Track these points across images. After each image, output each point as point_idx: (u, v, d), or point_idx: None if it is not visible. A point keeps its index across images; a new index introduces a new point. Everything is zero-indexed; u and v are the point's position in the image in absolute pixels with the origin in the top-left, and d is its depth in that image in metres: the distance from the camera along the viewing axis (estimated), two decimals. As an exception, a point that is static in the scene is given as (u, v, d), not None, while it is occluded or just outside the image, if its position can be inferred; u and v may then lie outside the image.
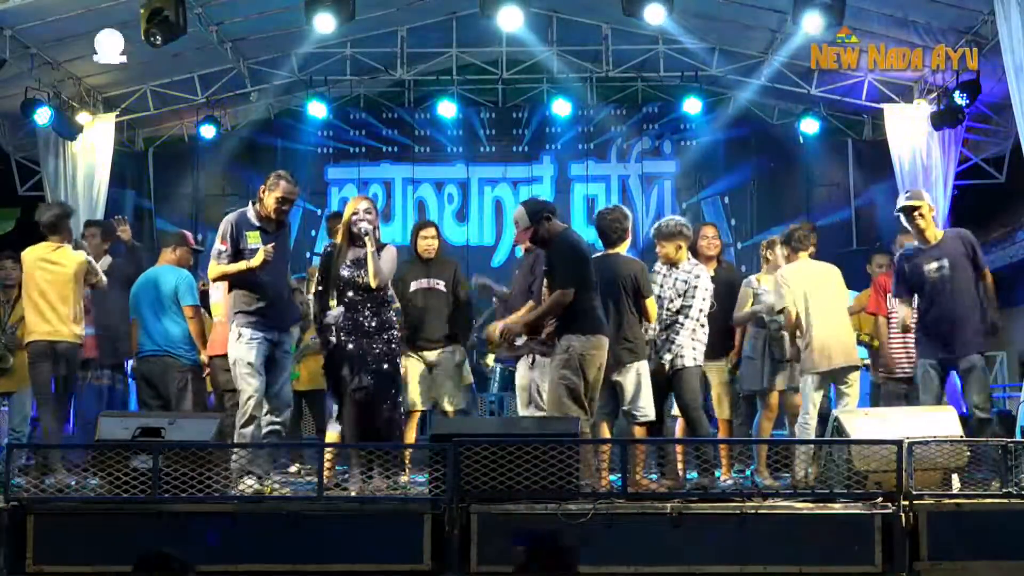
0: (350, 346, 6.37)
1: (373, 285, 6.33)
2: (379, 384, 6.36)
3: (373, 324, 6.39)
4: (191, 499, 5.56)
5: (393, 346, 6.46)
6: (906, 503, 5.46)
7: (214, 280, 6.60)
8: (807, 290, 7.13)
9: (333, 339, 6.39)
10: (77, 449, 6.68)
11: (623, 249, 6.86)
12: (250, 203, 6.49)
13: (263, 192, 6.43)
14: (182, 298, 7.01)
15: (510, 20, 10.17)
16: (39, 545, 5.52)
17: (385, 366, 6.39)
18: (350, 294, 6.40)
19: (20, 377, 7.99)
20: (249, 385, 6.25)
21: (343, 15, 9.94)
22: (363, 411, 6.39)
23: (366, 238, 6.34)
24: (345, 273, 6.38)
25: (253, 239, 6.33)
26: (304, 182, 13.64)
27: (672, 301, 6.93)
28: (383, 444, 6.36)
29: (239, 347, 6.30)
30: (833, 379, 7.16)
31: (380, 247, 6.46)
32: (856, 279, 8.36)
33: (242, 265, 6.28)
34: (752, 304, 7.46)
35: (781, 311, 7.17)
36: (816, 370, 7.05)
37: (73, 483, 5.94)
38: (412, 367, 7.23)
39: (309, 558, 5.52)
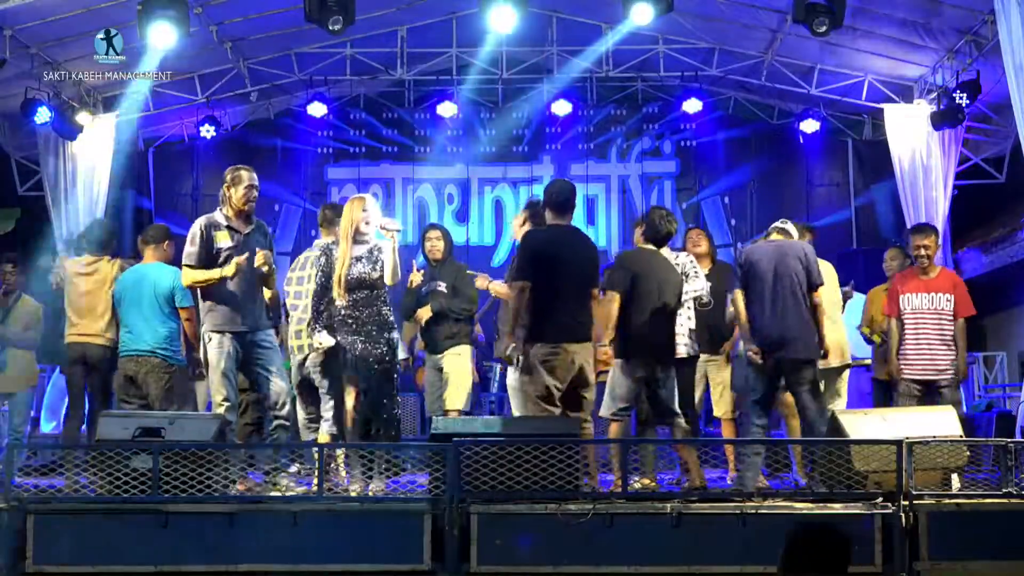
0: (350, 346, 6.39)
1: (390, 283, 6.40)
2: (379, 384, 6.39)
3: (375, 325, 6.41)
4: (191, 499, 5.57)
5: (393, 347, 6.49)
6: (906, 503, 5.46)
7: (187, 287, 6.56)
8: None
9: (333, 340, 6.41)
10: (78, 449, 6.68)
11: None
12: (217, 209, 6.50)
13: (228, 190, 6.44)
14: (180, 300, 6.84)
15: (503, 21, 10.11)
16: (39, 545, 5.52)
17: (385, 366, 6.41)
18: (355, 293, 6.42)
19: (20, 378, 8.03)
20: (219, 393, 6.27)
21: (350, 16, 9.85)
22: (363, 411, 6.43)
23: (386, 233, 6.40)
24: (354, 270, 6.40)
25: (222, 238, 6.35)
26: (304, 182, 13.76)
27: None
28: (383, 444, 6.38)
29: (211, 352, 6.33)
30: (825, 378, 7.17)
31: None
32: (856, 279, 8.35)
33: (215, 273, 6.32)
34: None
35: None
36: None
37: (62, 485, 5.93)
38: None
39: (309, 558, 5.53)
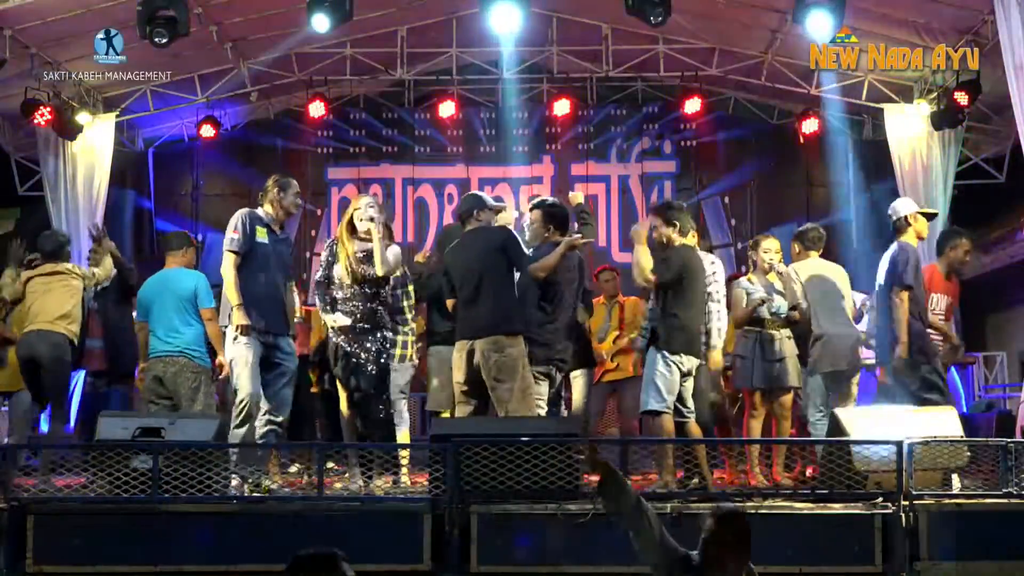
0: (343, 344, 6.40)
1: (380, 273, 6.40)
2: (369, 383, 6.38)
3: (367, 323, 6.41)
4: (191, 499, 5.57)
5: (388, 344, 6.48)
6: (906, 503, 5.46)
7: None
8: (808, 288, 7.21)
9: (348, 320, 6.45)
10: (77, 449, 6.68)
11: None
12: (259, 207, 6.59)
13: (277, 192, 6.54)
14: (201, 301, 6.99)
15: (505, 21, 10.13)
16: (39, 545, 5.52)
17: (376, 367, 6.40)
18: (353, 288, 6.43)
19: (20, 377, 8.02)
20: (244, 387, 6.27)
21: (339, 15, 9.93)
22: (355, 410, 6.45)
23: (371, 225, 6.43)
24: (352, 267, 6.42)
25: (261, 234, 6.45)
26: (304, 182, 13.70)
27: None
28: (383, 444, 6.38)
29: (234, 348, 6.34)
30: (836, 379, 7.19)
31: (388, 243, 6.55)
32: (857, 280, 8.36)
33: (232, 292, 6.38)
34: (745, 303, 7.47)
35: (795, 308, 7.21)
36: (824, 370, 7.12)
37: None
38: None
39: (309, 558, 5.51)
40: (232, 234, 6.39)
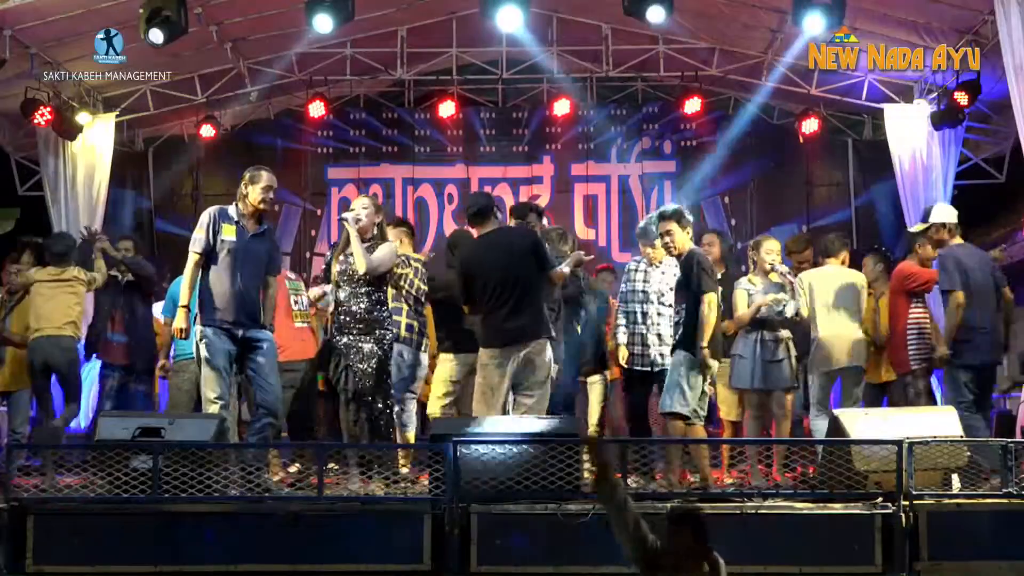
0: (341, 341, 6.40)
1: (360, 271, 6.37)
2: (367, 382, 6.37)
3: (359, 322, 6.40)
4: (191, 499, 5.57)
5: (384, 344, 6.46)
6: (906, 503, 5.47)
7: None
8: (816, 293, 7.26)
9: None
10: (77, 449, 6.69)
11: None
12: (233, 203, 6.52)
13: (245, 187, 6.47)
14: None
15: (509, 20, 10.17)
16: (39, 545, 5.53)
17: (373, 364, 6.38)
18: (347, 287, 6.45)
19: (20, 377, 8.03)
20: (212, 390, 6.23)
21: (341, 15, 9.95)
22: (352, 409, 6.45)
23: (344, 223, 6.46)
24: (339, 267, 6.45)
25: (228, 232, 6.37)
26: (304, 182, 13.74)
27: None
28: (383, 444, 6.38)
29: (203, 348, 6.29)
30: (834, 379, 7.22)
31: (377, 243, 6.52)
32: (856, 279, 8.35)
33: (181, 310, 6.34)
34: (747, 305, 7.48)
35: (797, 313, 7.25)
36: (818, 371, 7.13)
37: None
38: None
39: (309, 558, 5.53)
40: (196, 233, 6.39)
